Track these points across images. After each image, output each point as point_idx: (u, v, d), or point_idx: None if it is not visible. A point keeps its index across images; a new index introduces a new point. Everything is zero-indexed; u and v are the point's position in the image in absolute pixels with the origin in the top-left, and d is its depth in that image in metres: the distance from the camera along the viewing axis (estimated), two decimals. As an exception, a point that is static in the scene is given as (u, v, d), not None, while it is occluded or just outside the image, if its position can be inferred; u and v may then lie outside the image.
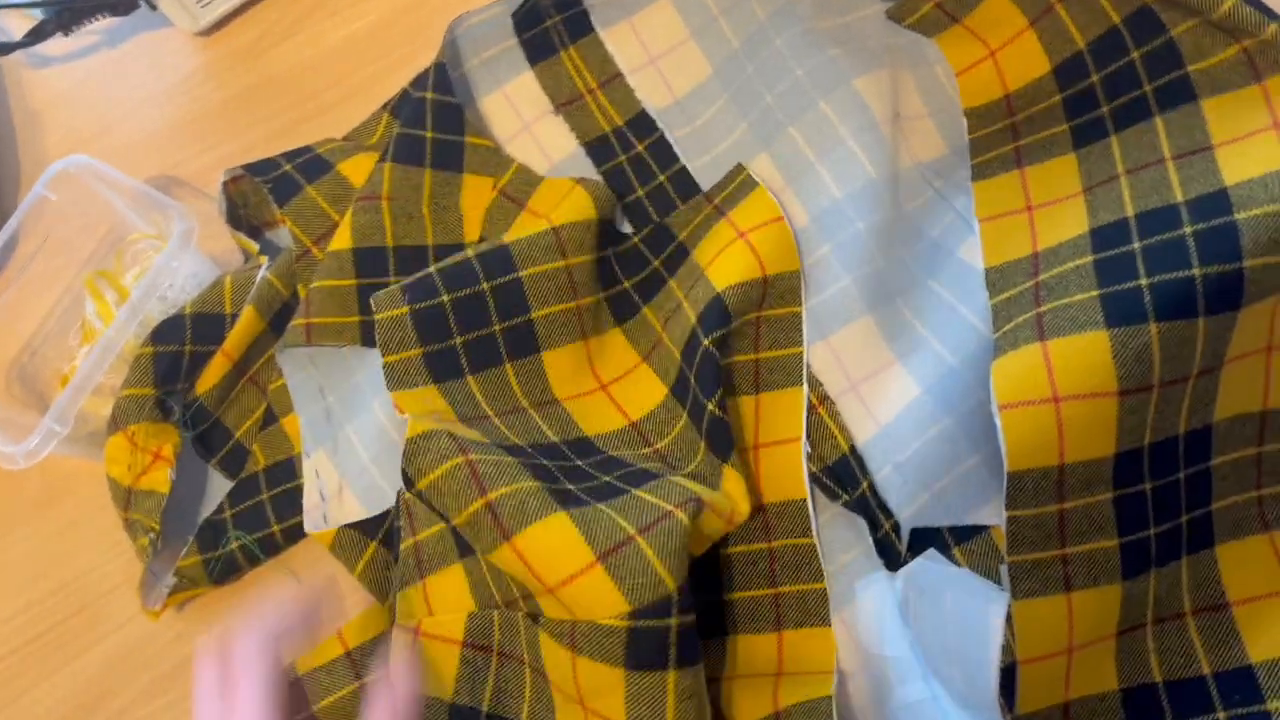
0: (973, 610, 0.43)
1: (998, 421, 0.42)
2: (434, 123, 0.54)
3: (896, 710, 0.42)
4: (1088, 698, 0.45)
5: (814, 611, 0.46)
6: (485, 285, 0.49)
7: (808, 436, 0.48)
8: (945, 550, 0.45)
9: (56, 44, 0.64)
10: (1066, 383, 0.41)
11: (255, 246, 0.57)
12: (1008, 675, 0.43)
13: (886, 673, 0.43)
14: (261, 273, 0.53)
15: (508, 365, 0.50)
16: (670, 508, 0.42)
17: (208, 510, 0.54)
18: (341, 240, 0.52)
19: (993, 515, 0.45)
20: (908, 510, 0.46)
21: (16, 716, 0.51)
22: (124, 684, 0.52)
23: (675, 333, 0.50)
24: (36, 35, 0.60)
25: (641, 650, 0.40)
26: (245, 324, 0.54)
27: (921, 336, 0.49)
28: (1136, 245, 0.43)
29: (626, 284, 0.53)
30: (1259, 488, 0.45)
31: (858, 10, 0.54)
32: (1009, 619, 0.42)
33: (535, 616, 0.43)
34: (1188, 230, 0.42)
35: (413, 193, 0.53)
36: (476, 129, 0.55)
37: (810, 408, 0.48)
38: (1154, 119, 0.47)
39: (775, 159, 0.53)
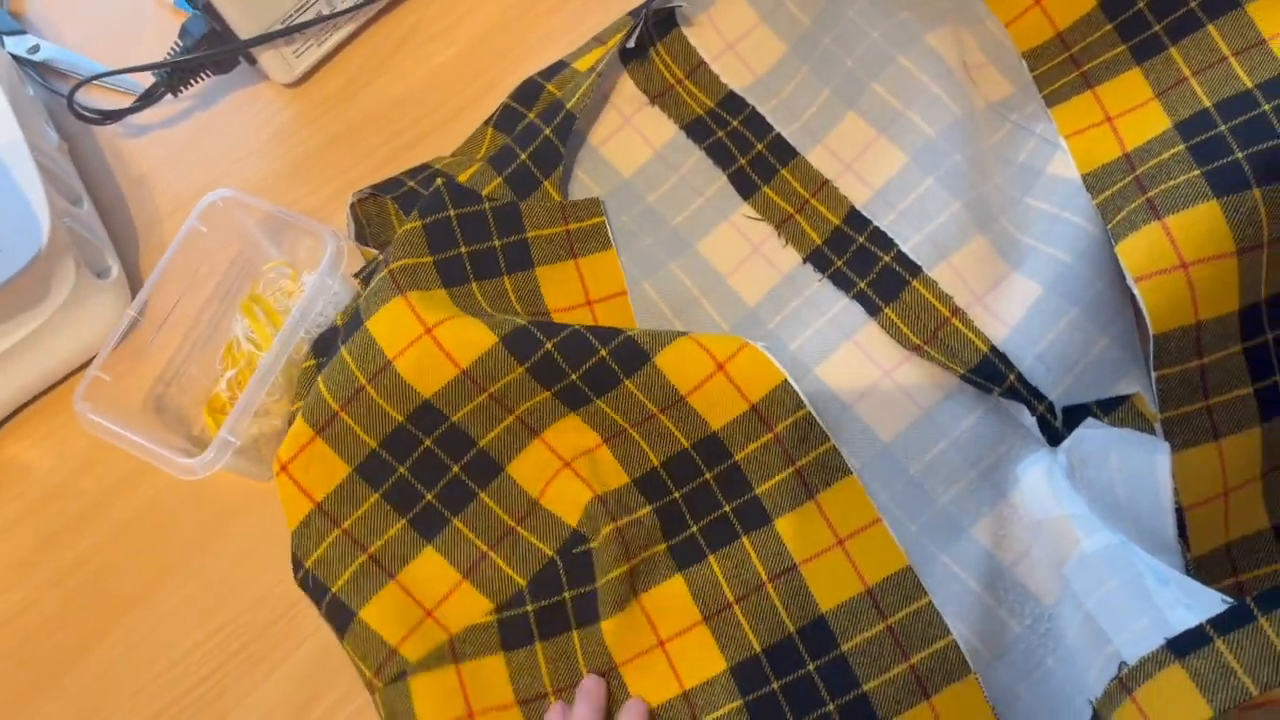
0: (1139, 463, 0.48)
1: (1136, 292, 0.47)
2: (533, 154, 0.58)
3: (1085, 561, 0.45)
4: (1244, 537, 0.49)
5: (834, 467, 0.50)
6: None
7: (944, 346, 0.52)
8: (1097, 420, 0.50)
9: (151, 112, 0.68)
10: (1190, 249, 0.47)
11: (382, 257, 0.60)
12: (1178, 521, 0.47)
13: (1069, 530, 0.46)
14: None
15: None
16: (512, 524, 0.53)
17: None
18: None
19: (1131, 385, 0.50)
20: (1056, 392, 0.50)
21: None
22: (326, 688, 0.54)
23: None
24: (147, 98, 0.64)
25: (510, 635, 0.51)
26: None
27: (1030, 246, 0.54)
28: (1223, 127, 0.49)
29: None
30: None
31: (912, -22, 0.60)
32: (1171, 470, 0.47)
33: (400, 674, 0.51)
34: (1266, 108, 0.48)
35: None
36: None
37: (944, 320, 0.53)
38: (1206, 27, 0.53)
39: (863, 114, 0.58)
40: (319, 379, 0.52)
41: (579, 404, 0.52)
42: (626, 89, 0.62)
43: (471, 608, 0.52)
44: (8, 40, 0.70)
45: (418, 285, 0.53)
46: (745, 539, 0.51)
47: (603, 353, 0.51)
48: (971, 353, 0.52)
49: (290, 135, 0.67)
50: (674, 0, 0.61)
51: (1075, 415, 0.50)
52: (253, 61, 0.65)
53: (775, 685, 0.48)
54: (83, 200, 0.64)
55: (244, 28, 0.62)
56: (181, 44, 0.62)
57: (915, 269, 0.54)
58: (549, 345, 0.51)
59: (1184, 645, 0.43)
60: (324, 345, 0.56)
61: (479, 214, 0.56)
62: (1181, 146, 0.50)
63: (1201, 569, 0.48)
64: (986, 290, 0.53)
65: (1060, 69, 0.57)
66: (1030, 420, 0.50)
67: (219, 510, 0.58)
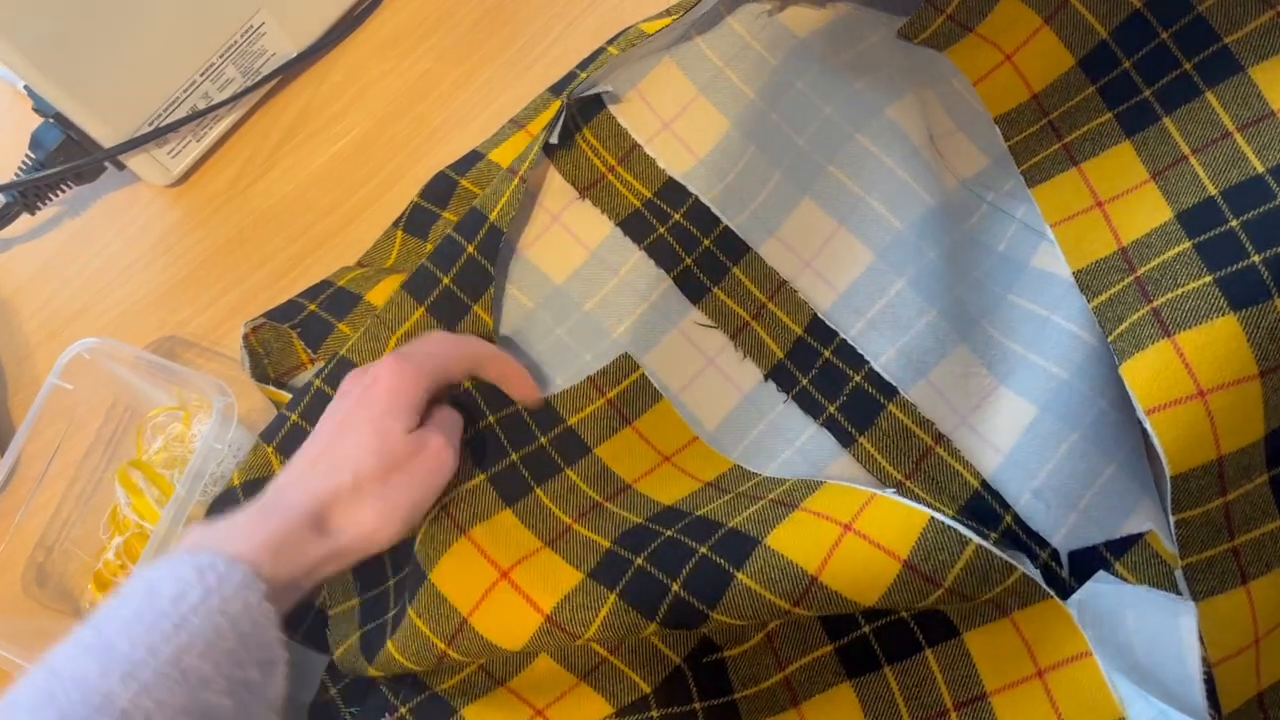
0: (1160, 626, 0.42)
1: (1148, 426, 0.41)
2: (457, 276, 0.51)
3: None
4: (1277, 683, 0.44)
5: (1026, 594, 0.42)
6: None
7: (929, 481, 0.46)
8: (1108, 568, 0.44)
9: (14, 226, 0.59)
10: (1208, 375, 0.40)
11: (286, 397, 0.53)
12: (1207, 683, 0.41)
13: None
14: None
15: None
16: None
17: (309, 691, 0.49)
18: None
19: (1144, 521, 0.44)
20: (1059, 535, 0.44)
21: None
22: None
23: (600, 528, 0.46)
24: (0, 220, 0.56)
25: None
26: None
27: (1019, 355, 0.47)
28: (1234, 223, 0.43)
29: (514, 455, 0.47)
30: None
31: (868, 38, 0.53)
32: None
33: None
34: (1283, 199, 0.42)
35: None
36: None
37: (927, 449, 0.46)
38: (1204, 95, 0.46)
39: (819, 200, 0.51)
40: (389, 645, 0.44)
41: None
42: (554, 182, 0.54)
43: (589, 712, 0.45)
44: None
45: (478, 515, 0.45)
46: (929, 651, 0.44)
47: (703, 551, 0.42)
48: (960, 486, 0.46)
49: (176, 242, 0.59)
50: (598, 88, 0.53)
51: (1083, 560, 0.44)
52: (121, 166, 0.57)
53: None
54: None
55: (105, 135, 0.53)
56: (34, 156, 0.54)
57: (890, 390, 0.47)
58: (639, 561, 0.43)
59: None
60: (220, 508, 0.49)
61: (515, 415, 0.48)
62: (1188, 244, 0.43)
63: (1232, 727, 0.43)
64: (973, 410, 0.47)
65: (1039, 138, 0.51)
66: (1034, 571, 0.44)
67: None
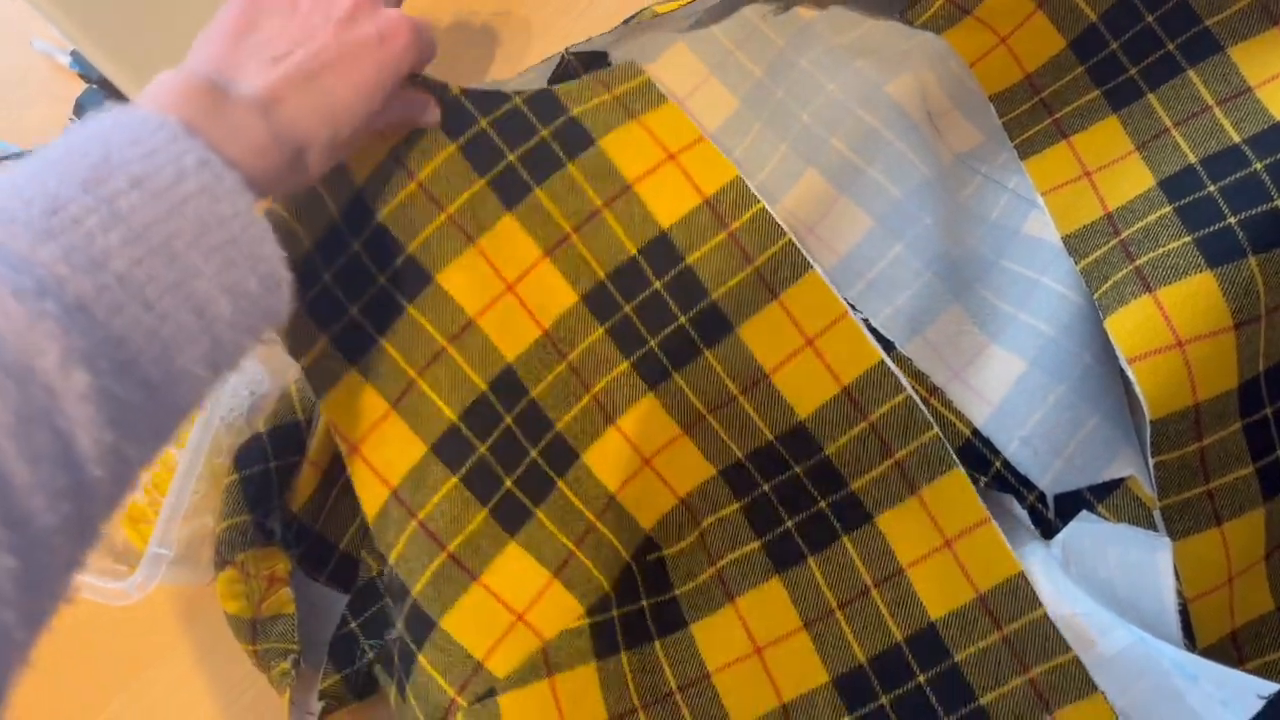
0: (1139, 560, 0.45)
1: (1131, 375, 0.44)
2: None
3: (1107, 664, 0.43)
4: (1250, 622, 0.47)
5: (938, 459, 0.47)
6: (355, 244, 0.48)
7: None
8: (1091, 509, 0.47)
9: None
10: (1186, 326, 0.43)
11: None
12: (1182, 616, 0.44)
13: (1081, 629, 0.44)
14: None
15: (410, 309, 0.48)
16: (593, 518, 0.47)
17: (329, 629, 0.52)
18: None
19: (1125, 467, 0.47)
20: (1045, 479, 0.47)
21: None
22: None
23: (594, 243, 0.48)
24: None
25: (600, 641, 0.46)
26: (325, 430, 0.52)
27: (1009, 314, 0.50)
28: (1212, 188, 0.46)
29: (511, 156, 0.48)
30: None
31: (870, 21, 0.56)
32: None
33: (489, 692, 0.45)
34: (1258, 166, 0.45)
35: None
36: None
37: (922, 400, 0.49)
38: (1186, 72, 0.49)
39: (823, 171, 0.54)
40: (386, 346, 0.47)
41: (656, 380, 0.48)
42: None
43: (565, 610, 0.47)
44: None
45: (482, 225, 0.47)
46: (846, 539, 0.48)
47: (682, 320, 0.47)
48: (953, 436, 0.48)
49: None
50: (596, 45, 0.56)
51: (1067, 502, 0.47)
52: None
53: (884, 699, 0.46)
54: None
55: (146, 101, 0.56)
56: (77, 119, 0.57)
57: (888, 345, 0.50)
58: (628, 309, 0.47)
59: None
60: (247, 457, 0.51)
61: (514, 111, 0.49)
62: (1169, 208, 0.46)
63: (1207, 659, 0.46)
64: (965, 365, 0.50)
65: (1031, 115, 0.54)
66: (1021, 511, 0.47)
67: (151, 630, 0.54)
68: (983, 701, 0.45)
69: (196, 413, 0.51)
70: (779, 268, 0.49)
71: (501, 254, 0.48)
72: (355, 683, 0.50)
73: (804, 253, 0.49)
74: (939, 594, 0.46)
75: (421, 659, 0.46)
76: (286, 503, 0.52)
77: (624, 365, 0.49)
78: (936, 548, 0.47)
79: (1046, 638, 0.45)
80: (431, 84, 0.48)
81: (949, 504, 0.47)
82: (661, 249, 0.49)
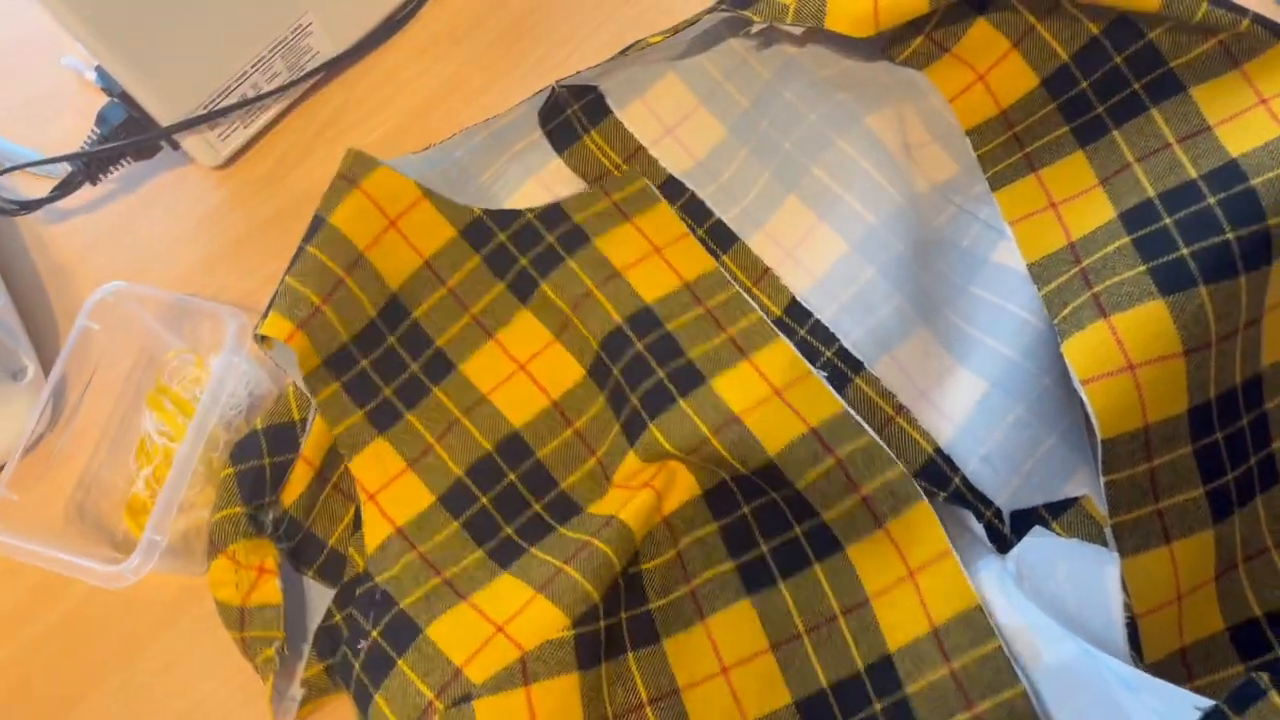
0: (1088, 575, 0.46)
1: (1083, 396, 0.45)
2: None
3: (1051, 674, 0.44)
4: (1198, 641, 0.48)
5: (904, 493, 0.48)
6: (391, 338, 0.55)
7: (889, 444, 0.51)
8: (1045, 525, 0.48)
9: (75, 197, 0.66)
10: (1137, 351, 0.45)
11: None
12: (1130, 631, 0.46)
13: (1031, 640, 0.45)
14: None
15: (435, 390, 0.55)
16: (588, 538, 0.50)
17: (314, 620, 0.54)
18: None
19: (1080, 486, 0.49)
20: (1002, 496, 0.49)
21: None
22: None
23: (590, 320, 0.53)
24: (64, 188, 0.62)
25: (585, 652, 0.47)
26: (319, 429, 0.55)
27: (976, 338, 0.52)
28: (1168, 220, 0.48)
29: (523, 260, 0.56)
30: (1310, 423, 0.49)
31: (854, 55, 0.59)
32: (1123, 581, 0.46)
33: (465, 697, 0.46)
34: (1212, 200, 0.47)
35: None
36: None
37: (888, 419, 0.51)
38: (1150, 111, 0.52)
39: (803, 198, 0.57)
40: (410, 418, 0.54)
41: (636, 435, 0.52)
42: (561, 172, 0.59)
43: (547, 623, 0.48)
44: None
45: (500, 321, 0.56)
46: (818, 566, 0.50)
47: (661, 375, 0.51)
48: (916, 454, 0.50)
49: (219, 220, 0.65)
50: (586, 80, 0.59)
51: (1023, 519, 0.49)
52: (176, 146, 0.63)
53: None
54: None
55: (164, 114, 0.59)
56: (99, 131, 0.60)
57: (857, 365, 0.52)
58: (616, 372, 0.53)
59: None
60: (242, 452, 0.54)
61: (527, 224, 0.57)
62: (1126, 239, 0.48)
63: (1156, 676, 0.47)
64: (931, 385, 0.52)
65: (1004, 149, 0.56)
66: (978, 527, 0.48)
67: (145, 616, 0.56)
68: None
69: (194, 409, 0.54)
70: (750, 336, 0.53)
71: (516, 342, 0.56)
72: (338, 673, 0.52)
73: (771, 326, 0.53)
74: (898, 625, 0.48)
75: (402, 664, 0.48)
76: (279, 498, 0.55)
77: (616, 427, 0.53)
78: (901, 578, 0.48)
79: (998, 671, 0.45)
80: (459, 208, 0.56)
81: (914, 536, 0.48)
82: (644, 319, 0.53)
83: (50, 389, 0.54)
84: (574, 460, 0.54)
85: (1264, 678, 0.43)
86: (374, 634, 0.49)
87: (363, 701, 0.49)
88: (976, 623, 0.46)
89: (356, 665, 0.49)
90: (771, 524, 0.51)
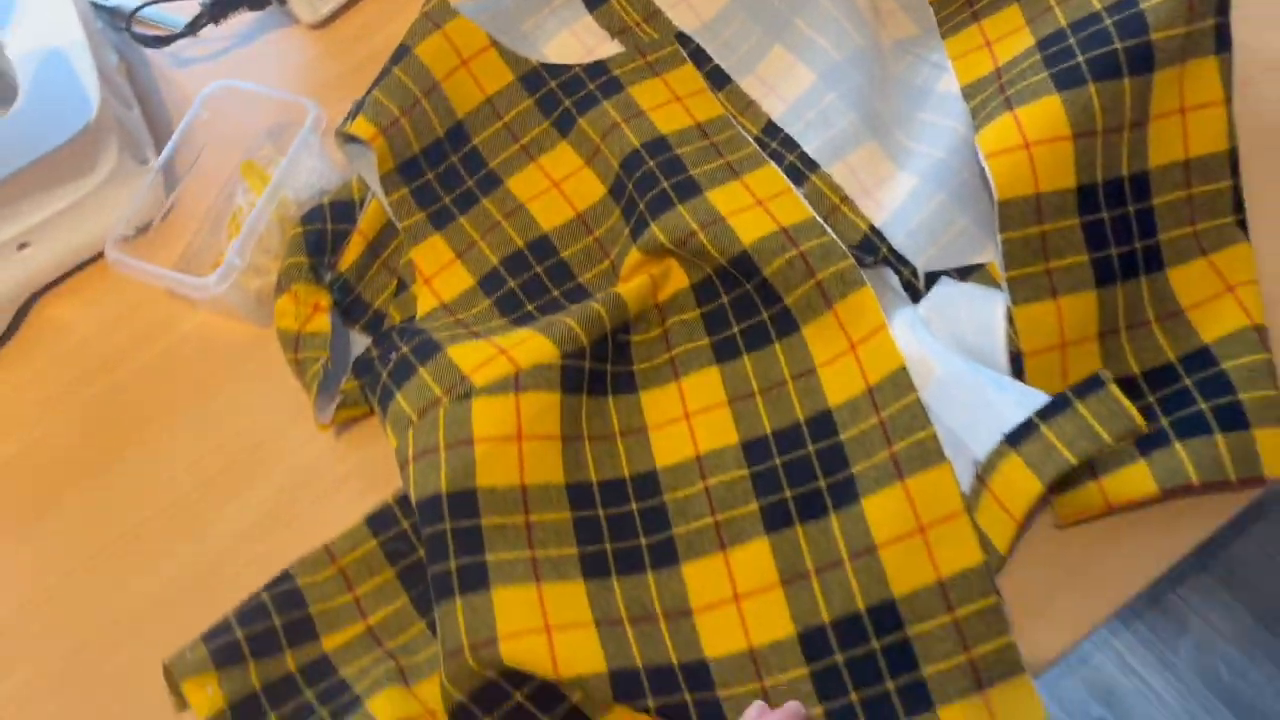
0: (983, 312, 0.56)
1: (986, 167, 0.55)
2: None
3: (940, 384, 0.53)
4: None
5: (850, 280, 0.57)
6: (454, 158, 0.68)
7: (833, 227, 0.60)
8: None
9: (196, 47, 0.80)
10: (1033, 132, 0.55)
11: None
12: (1016, 366, 0.55)
13: (926, 359, 0.54)
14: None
15: (484, 200, 0.67)
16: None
17: (354, 355, 0.66)
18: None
19: (986, 256, 0.58)
20: (920, 260, 0.59)
21: (222, 523, 0.62)
22: (298, 496, 0.63)
23: (614, 146, 0.65)
24: (193, 27, 0.76)
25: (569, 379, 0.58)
26: (375, 208, 0.67)
27: (918, 151, 0.62)
28: (1072, 40, 0.58)
29: (567, 102, 0.68)
30: (1193, 223, 0.58)
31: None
32: (1010, 318, 0.55)
33: (466, 394, 0.57)
34: (1108, 22, 0.57)
35: None
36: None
37: (834, 207, 0.61)
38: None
39: (785, 44, 0.68)
40: (462, 220, 0.67)
41: (638, 233, 0.62)
42: (590, 27, 0.72)
43: (541, 351, 0.58)
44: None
45: (543, 148, 0.69)
46: (777, 344, 0.60)
47: (665, 186, 0.62)
48: (854, 232, 0.60)
49: (312, 70, 0.78)
50: None
51: (935, 279, 0.58)
52: (283, 2, 0.77)
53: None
54: (133, 106, 0.75)
55: (275, -30, 0.73)
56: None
57: (814, 165, 0.63)
58: (630, 187, 0.64)
59: (1017, 436, 0.51)
60: (310, 217, 0.66)
61: (574, 76, 0.69)
62: (1038, 57, 0.58)
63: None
64: (875, 185, 0.62)
65: (958, 11, 0.66)
66: (896, 281, 0.58)
67: (223, 358, 0.68)
68: (854, 470, 0.55)
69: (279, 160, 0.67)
70: (744, 162, 0.64)
71: (554, 166, 0.67)
72: (366, 384, 0.63)
73: (763, 156, 0.64)
74: (840, 388, 0.57)
75: (423, 371, 0.59)
76: (336, 262, 0.67)
77: (626, 231, 0.64)
78: (843, 351, 0.58)
79: (914, 416, 0.54)
80: (519, 58, 0.69)
81: (857, 315, 0.57)
82: (658, 145, 0.64)
83: (164, 159, 0.67)
84: (591, 261, 0.65)
85: (1108, 374, 0.52)
86: (404, 349, 0.61)
87: (385, 401, 0.60)
88: (900, 380, 0.55)
89: (384, 374, 0.61)
90: (744, 310, 0.61)
